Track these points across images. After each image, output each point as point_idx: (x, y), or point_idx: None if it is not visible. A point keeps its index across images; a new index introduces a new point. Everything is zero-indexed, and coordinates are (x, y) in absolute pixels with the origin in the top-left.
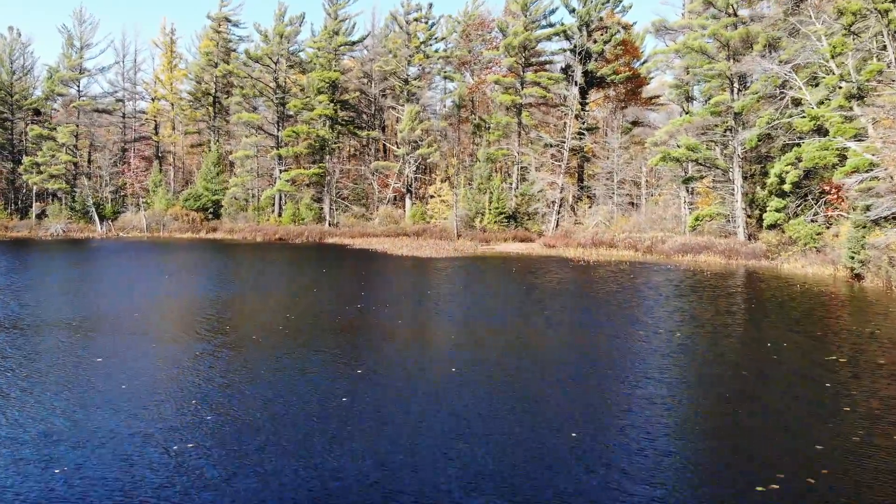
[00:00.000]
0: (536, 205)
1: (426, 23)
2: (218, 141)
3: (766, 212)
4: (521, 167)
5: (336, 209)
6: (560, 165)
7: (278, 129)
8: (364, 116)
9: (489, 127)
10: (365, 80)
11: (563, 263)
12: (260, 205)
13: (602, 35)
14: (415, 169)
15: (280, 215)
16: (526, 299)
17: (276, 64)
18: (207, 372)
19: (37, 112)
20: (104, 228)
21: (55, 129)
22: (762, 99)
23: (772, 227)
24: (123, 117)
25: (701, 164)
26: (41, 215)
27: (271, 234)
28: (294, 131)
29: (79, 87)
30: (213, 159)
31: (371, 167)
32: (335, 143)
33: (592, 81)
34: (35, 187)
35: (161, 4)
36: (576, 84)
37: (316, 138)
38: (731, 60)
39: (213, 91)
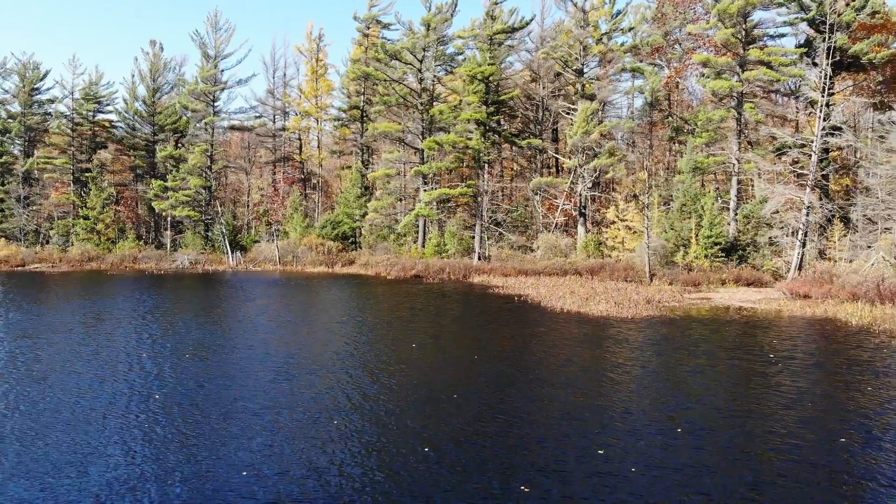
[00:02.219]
0: (770, 232)
1: (610, 5)
2: (369, 159)
3: None
4: (741, 179)
5: (488, 238)
6: (807, 175)
7: (423, 142)
8: (531, 127)
9: (694, 128)
10: (531, 80)
11: (859, 338)
12: (399, 233)
13: (850, 2)
14: (590, 185)
15: (424, 245)
16: None
17: (420, 62)
18: None
19: (182, 133)
20: (234, 260)
21: (186, 148)
22: None
23: None
24: (273, 138)
25: None
26: (173, 244)
27: (408, 269)
28: (436, 142)
29: (213, 101)
30: (354, 180)
31: (532, 184)
32: (489, 155)
33: (841, 63)
34: (165, 214)
35: (317, 10)
36: (821, 64)
37: (464, 150)
38: None
39: (361, 104)
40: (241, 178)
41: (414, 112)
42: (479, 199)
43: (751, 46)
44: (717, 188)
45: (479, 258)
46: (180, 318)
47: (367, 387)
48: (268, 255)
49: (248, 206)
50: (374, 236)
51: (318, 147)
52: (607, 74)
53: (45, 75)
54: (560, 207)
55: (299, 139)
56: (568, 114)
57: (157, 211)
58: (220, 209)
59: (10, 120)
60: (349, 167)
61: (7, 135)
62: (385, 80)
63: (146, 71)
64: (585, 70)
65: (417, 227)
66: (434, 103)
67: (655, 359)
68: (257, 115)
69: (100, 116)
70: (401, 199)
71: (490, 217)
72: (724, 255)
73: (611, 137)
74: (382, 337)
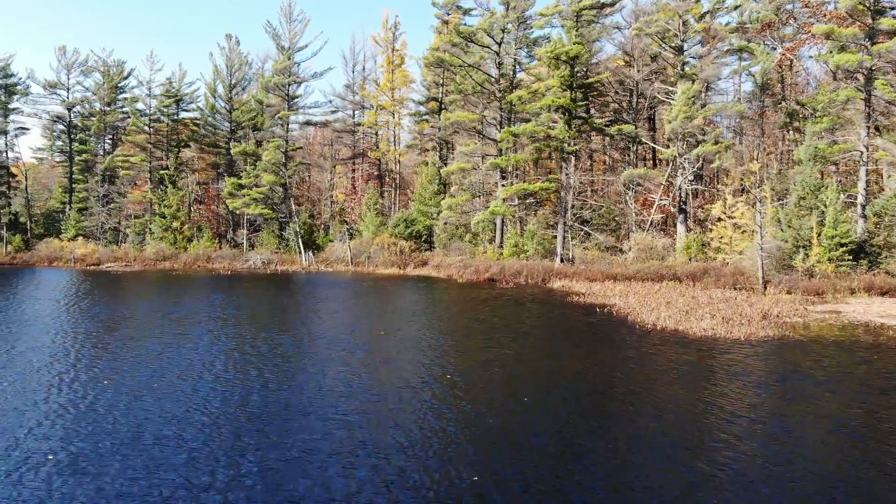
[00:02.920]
0: None
1: None
2: (447, 155)
3: None
4: (870, 169)
5: (572, 238)
6: None
7: (499, 133)
8: (624, 115)
9: (812, 112)
10: (624, 64)
11: None
12: (474, 232)
13: None
14: (691, 178)
15: (501, 245)
16: None
17: (499, 45)
18: None
19: (257, 129)
20: (306, 260)
21: (261, 144)
22: None
23: None
24: (352, 134)
25: None
26: (249, 244)
27: (482, 271)
28: (511, 132)
29: (288, 94)
30: (430, 176)
31: (624, 176)
32: (573, 145)
33: None
34: (239, 212)
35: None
36: None
37: (546, 140)
38: None
39: (440, 96)
40: (324, 176)
41: (492, 100)
42: (563, 194)
43: (881, 16)
44: (840, 181)
45: (562, 260)
46: (198, 329)
47: (359, 451)
48: (340, 255)
49: (330, 203)
50: (447, 236)
51: (395, 142)
52: (710, 52)
53: (129, 74)
54: (656, 203)
55: (376, 135)
56: (667, 96)
57: (230, 209)
58: (294, 207)
59: (90, 118)
60: (427, 163)
61: (87, 132)
62: (461, 66)
63: (223, 66)
64: (686, 48)
65: (494, 225)
66: (514, 91)
67: (786, 407)
68: (333, 109)
69: (182, 115)
70: (477, 196)
71: (575, 214)
72: (851, 258)
73: (715, 124)
74: (420, 360)
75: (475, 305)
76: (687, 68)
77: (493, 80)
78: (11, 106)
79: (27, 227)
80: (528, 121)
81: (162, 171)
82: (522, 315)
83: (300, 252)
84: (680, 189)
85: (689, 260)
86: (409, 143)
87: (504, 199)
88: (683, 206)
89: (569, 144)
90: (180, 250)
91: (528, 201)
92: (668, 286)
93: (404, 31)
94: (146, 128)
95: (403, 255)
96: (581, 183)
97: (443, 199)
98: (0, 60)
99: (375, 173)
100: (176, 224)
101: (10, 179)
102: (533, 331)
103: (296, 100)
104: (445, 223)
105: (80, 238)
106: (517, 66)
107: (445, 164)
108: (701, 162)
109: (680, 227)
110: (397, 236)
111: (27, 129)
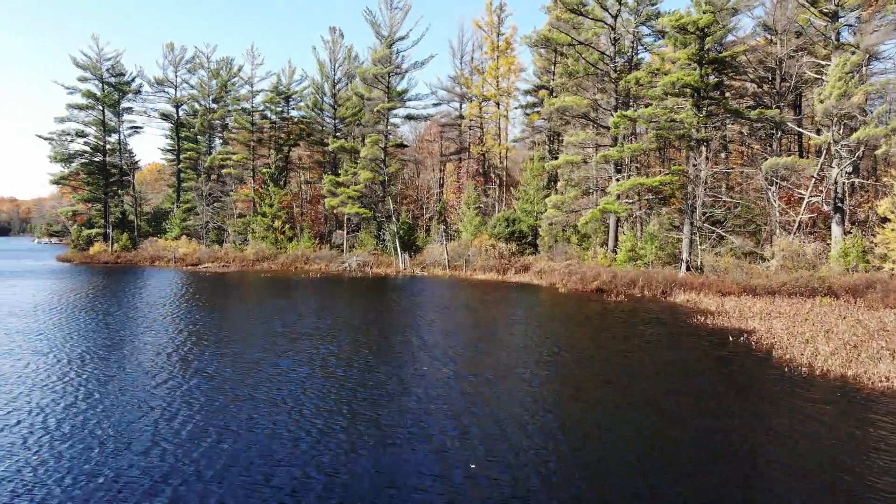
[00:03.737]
0: None
1: None
2: (558, 148)
3: None
4: None
5: (700, 242)
6: None
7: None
8: (765, 99)
9: None
10: (765, 42)
11: None
12: (583, 234)
13: None
14: (849, 170)
15: (614, 249)
16: None
17: (614, 18)
18: None
19: (360, 124)
20: (402, 264)
21: (361, 140)
22: None
23: None
24: (460, 129)
25: None
26: (348, 245)
27: (588, 280)
28: (625, 117)
29: (388, 86)
30: (535, 171)
31: (766, 167)
32: (702, 131)
33: None
34: (336, 211)
35: None
36: None
37: (670, 127)
38: None
39: (550, 83)
40: (429, 173)
41: (606, 82)
42: (690, 189)
43: None
44: None
45: (688, 268)
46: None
47: None
48: (437, 257)
49: (437, 202)
50: (552, 237)
51: (499, 136)
52: (871, 19)
53: (238, 70)
54: (806, 200)
55: (480, 128)
56: (818, 75)
57: (328, 208)
58: (392, 206)
59: (195, 116)
60: (533, 158)
61: (191, 129)
62: (570, 45)
63: (326, 60)
64: (841, 14)
65: (607, 226)
66: (632, 73)
67: None
68: (436, 102)
69: (291, 112)
70: (590, 193)
71: (705, 214)
72: None
73: (875, 101)
74: (460, 423)
75: (571, 326)
76: (842, 39)
77: (607, 58)
78: (123, 106)
79: (135, 226)
80: (648, 106)
81: (265, 170)
82: (631, 342)
83: (397, 254)
84: (835, 183)
85: (848, 270)
86: (518, 136)
87: (617, 196)
88: (840, 204)
89: (698, 131)
90: (281, 251)
91: (647, 198)
92: (822, 304)
93: (511, 13)
94: (250, 125)
95: (503, 259)
96: (713, 177)
97: (546, 196)
98: (109, 59)
99: (480, 169)
100: (277, 224)
101: (123, 178)
102: (640, 371)
103: (402, 94)
104: (551, 224)
105: (184, 237)
106: (637, 44)
107: (556, 159)
108: (862, 150)
109: (835, 230)
110: (497, 237)
111: (140, 128)
